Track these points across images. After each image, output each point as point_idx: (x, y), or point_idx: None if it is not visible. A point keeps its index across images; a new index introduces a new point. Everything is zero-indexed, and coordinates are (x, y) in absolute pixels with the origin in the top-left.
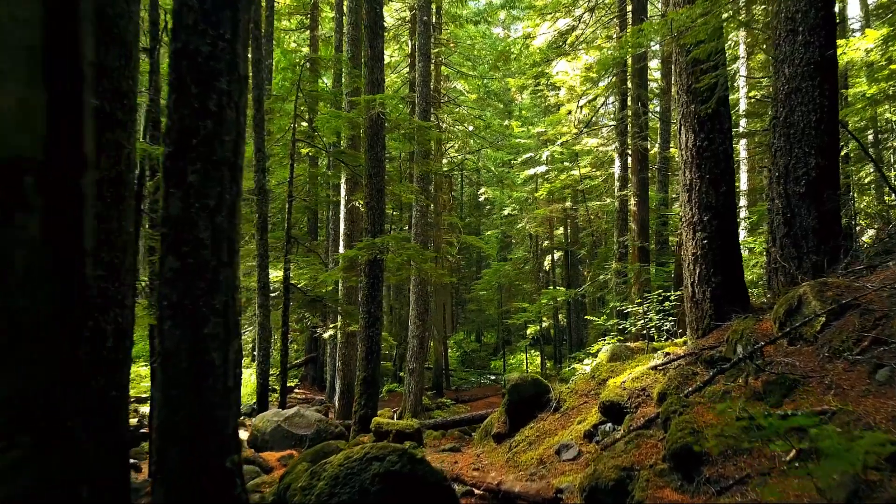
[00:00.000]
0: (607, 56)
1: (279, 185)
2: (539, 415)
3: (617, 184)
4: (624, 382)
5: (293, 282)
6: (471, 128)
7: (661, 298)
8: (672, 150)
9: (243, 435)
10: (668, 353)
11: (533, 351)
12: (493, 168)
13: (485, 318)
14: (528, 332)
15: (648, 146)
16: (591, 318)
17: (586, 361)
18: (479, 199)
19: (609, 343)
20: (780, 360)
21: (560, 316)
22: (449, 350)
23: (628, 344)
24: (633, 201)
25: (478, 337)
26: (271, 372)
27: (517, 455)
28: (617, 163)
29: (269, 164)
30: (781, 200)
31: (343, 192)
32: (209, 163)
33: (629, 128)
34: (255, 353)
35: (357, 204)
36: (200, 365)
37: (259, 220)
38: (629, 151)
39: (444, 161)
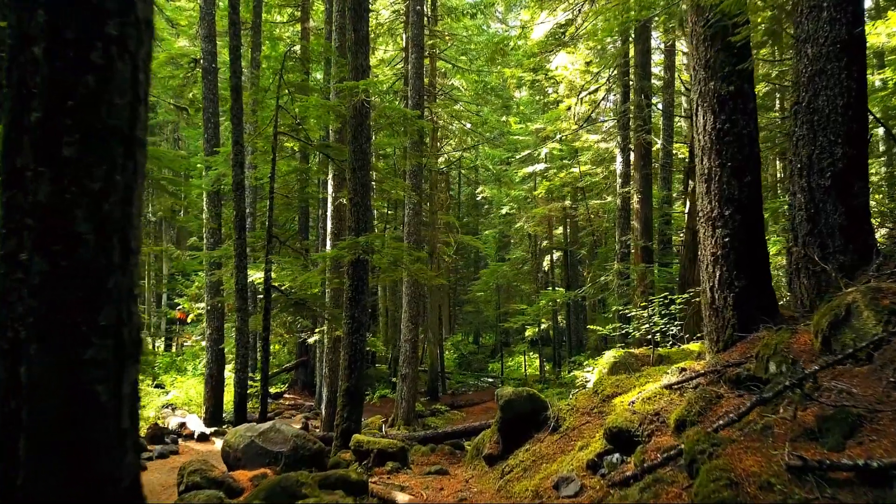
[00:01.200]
0: (611, 24)
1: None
2: (535, 435)
3: (619, 180)
4: (633, 403)
5: (276, 284)
6: (468, 125)
7: (666, 301)
8: (676, 145)
9: (215, 448)
10: (683, 370)
11: (532, 353)
12: (491, 166)
13: (483, 319)
14: (527, 333)
15: (652, 140)
16: (593, 327)
17: (587, 368)
18: (478, 199)
19: (612, 350)
20: (831, 386)
21: (559, 317)
22: (446, 352)
23: (632, 351)
24: (635, 198)
25: (475, 338)
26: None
27: (510, 483)
28: (619, 158)
29: (254, 159)
30: (804, 195)
31: (330, 189)
32: (92, 132)
33: (632, 122)
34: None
35: (344, 201)
36: (80, 402)
37: (236, 217)
38: (632, 147)
39: (441, 159)
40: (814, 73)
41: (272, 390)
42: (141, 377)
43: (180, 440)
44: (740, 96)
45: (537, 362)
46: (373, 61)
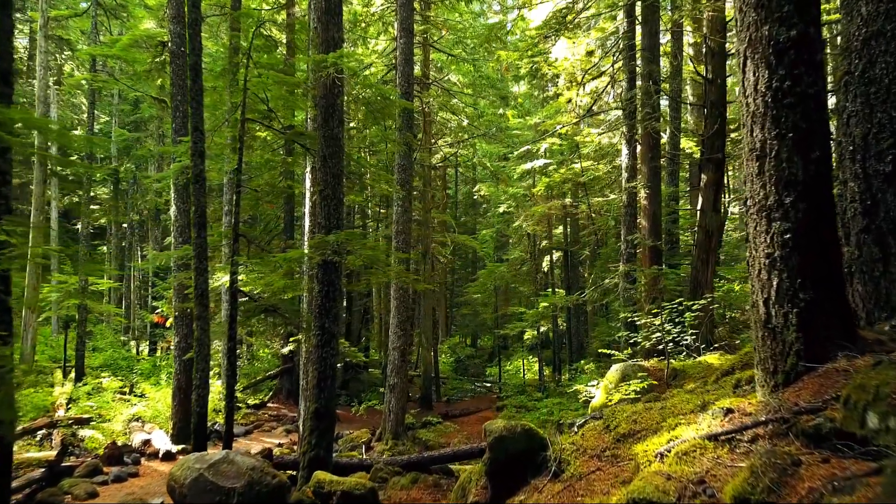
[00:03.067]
0: None
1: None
2: (532, 481)
3: (624, 174)
4: (662, 456)
5: (243, 288)
6: (465, 121)
7: (680, 308)
8: (684, 140)
9: (158, 488)
10: (730, 411)
11: (530, 357)
12: (488, 163)
13: (480, 321)
14: (526, 337)
15: (661, 129)
16: (596, 335)
17: (591, 382)
18: (475, 198)
19: (619, 364)
20: None
21: (559, 320)
22: (442, 356)
23: (642, 363)
24: (643, 194)
25: (473, 341)
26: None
27: None
28: (624, 151)
29: (223, 150)
30: (858, 183)
31: (308, 183)
32: None
33: (639, 110)
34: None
35: None
36: None
37: (196, 213)
38: (638, 138)
39: (436, 156)
40: (869, 35)
41: (253, 401)
42: (118, 384)
43: (143, 459)
44: (805, 44)
45: (536, 367)
46: (365, 52)
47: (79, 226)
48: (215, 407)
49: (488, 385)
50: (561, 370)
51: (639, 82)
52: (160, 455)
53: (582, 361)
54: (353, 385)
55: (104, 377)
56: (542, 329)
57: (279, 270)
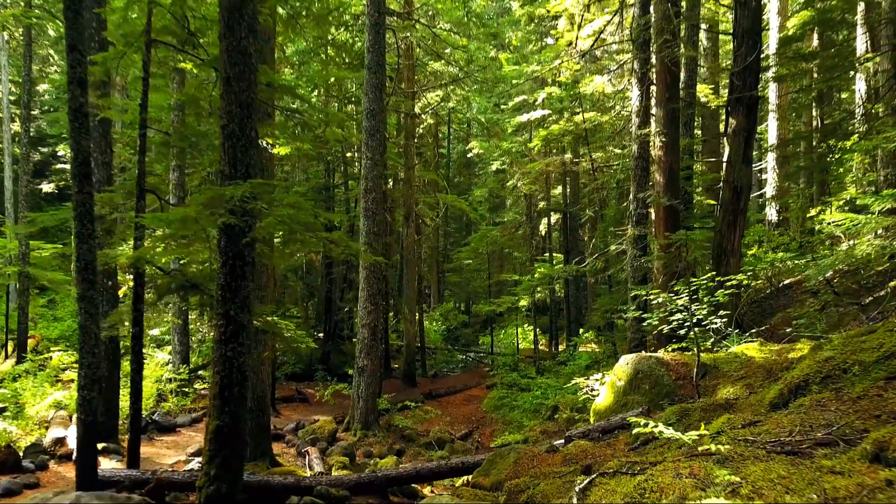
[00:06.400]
0: None
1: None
2: None
3: (634, 120)
4: None
5: (158, 261)
6: (454, 67)
7: (710, 285)
8: (700, 86)
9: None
10: None
11: (526, 325)
12: (481, 117)
13: (473, 288)
14: (521, 304)
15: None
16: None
17: (594, 376)
18: (469, 157)
19: (630, 355)
20: None
21: (557, 286)
22: (434, 324)
23: (660, 356)
24: (657, 143)
25: (467, 307)
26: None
27: None
28: (635, 92)
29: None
30: None
31: None
32: None
33: (654, 37)
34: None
35: (265, 143)
36: None
37: (77, 162)
38: (652, 76)
39: (420, 105)
40: None
41: (201, 385)
42: (72, 358)
43: (52, 463)
44: None
45: (532, 335)
46: None
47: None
48: (161, 390)
49: (481, 355)
50: (558, 339)
51: (652, 9)
52: (74, 457)
53: (581, 330)
54: (335, 357)
55: (56, 351)
56: (538, 295)
57: (167, 232)
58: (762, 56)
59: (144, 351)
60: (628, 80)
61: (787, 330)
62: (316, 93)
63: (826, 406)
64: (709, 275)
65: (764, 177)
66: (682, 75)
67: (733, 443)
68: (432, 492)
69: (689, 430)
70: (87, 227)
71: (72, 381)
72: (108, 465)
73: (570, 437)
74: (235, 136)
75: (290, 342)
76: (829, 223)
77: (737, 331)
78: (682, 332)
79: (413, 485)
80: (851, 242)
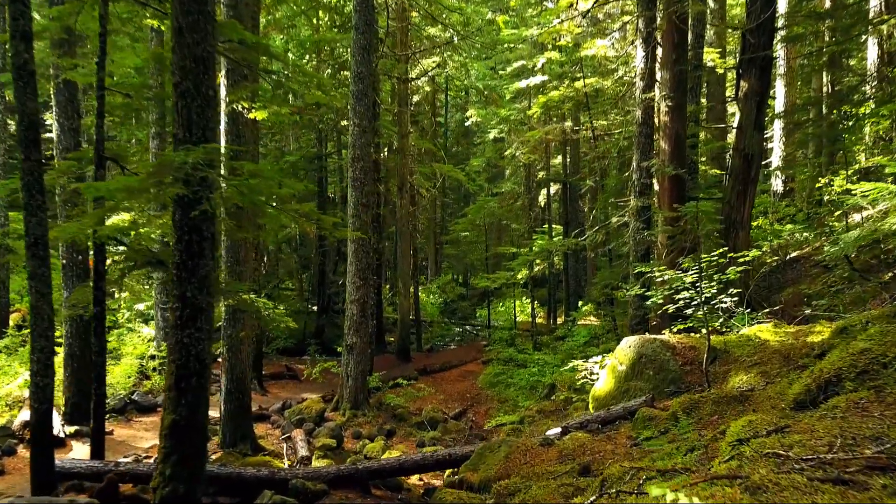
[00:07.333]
0: None
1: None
2: None
3: (639, 83)
4: None
5: (123, 235)
6: (450, 32)
7: (720, 262)
8: (708, 52)
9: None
10: None
11: (524, 298)
12: (479, 84)
13: (470, 261)
14: (519, 276)
15: (688, 23)
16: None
17: (594, 359)
18: (468, 125)
19: (633, 336)
20: None
21: (556, 258)
22: (430, 296)
23: (665, 338)
24: (663, 107)
25: (465, 280)
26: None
27: None
28: (640, 53)
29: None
30: None
31: (223, 91)
32: None
33: None
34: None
35: (240, 107)
36: None
37: (23, 126)
38: (658, 36)
39: (417, 70)
40: None
41: None
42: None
43: (20, 447)
44: None
45: (529, 308)
46: None
47: None
48: (143, 367)
49: (478, 328)
50: (556, 312)
51: None
52: None
53: (580, 303)
54: (329, 331)
55: None
56: (536, 269)
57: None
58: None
59: (129, 326)
60: (632, 42)
61: (806, 311)
62: (307, 58)
63: (867, 410)
64: (720, 250)
65: (770, 146)
66: (689, 36)
67: (761, 459)
68: (421, 479)
69: (700, 429)
70: (35, 198)
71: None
72: (79, 449)
73: (567, 427)
74: (190, 95)
75: (269, 321)
76: (853, 193)
77: (748, 310)
78: (689, 311)
79: (401, 477)
80: (869, 213)
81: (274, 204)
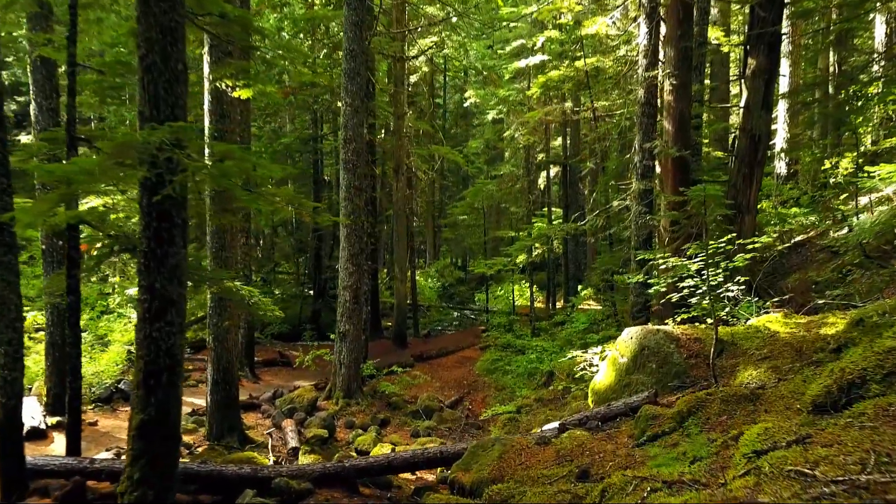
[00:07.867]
0: None
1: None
2: None
3: (642, 61)
4: None
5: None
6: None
7: (728, 249)
8: (713, 30)
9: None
10: None
11: (523, 282)
12: (478, 64)
13: (469, 244)
14: (518, 260)
15: None
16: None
17: (593, 350)
18: (466, 106)
19: (635, 327)
20: None
21: (555, 242)
22: (429, 280)
23: (668, 329)
24: (667, 86)
25: (463, 263)
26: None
27: None
28: (643, 29)
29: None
30: None
31: (206, 69)
32: None
33: None
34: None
35: (224, 85)
36: None
37: None
38: (662, 11)
39: (414, 50)
40: None
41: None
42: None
43: None
44: None
45: (528, 292)
46: None
47: None
48: (131, 354)
49: (476, 312)
50: (555, 297)
51: None
52: (24, 432)
53: (580, 287)
54: (326, 315)
55: (32, 310)
56: (535, 253)
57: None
58: None
59: (120, 311)
60: (634, 19)
61: (818, 301)
62: (301, 37)
63: None
64: (728, 236)
65: (774, 127)
66: (696, 8)
67: (782, 478)
68: (413, 474)
69: (707, 431)
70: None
71: (42, 342)
72: (60, 441)
73: (565, 424)
74: (157, 70)
75: (255, 309)
76: (870, 175)
77: (756, 299)
78: (694, 300)
79: (390, 476)
80: (879, 195)
81: (249, 189)
